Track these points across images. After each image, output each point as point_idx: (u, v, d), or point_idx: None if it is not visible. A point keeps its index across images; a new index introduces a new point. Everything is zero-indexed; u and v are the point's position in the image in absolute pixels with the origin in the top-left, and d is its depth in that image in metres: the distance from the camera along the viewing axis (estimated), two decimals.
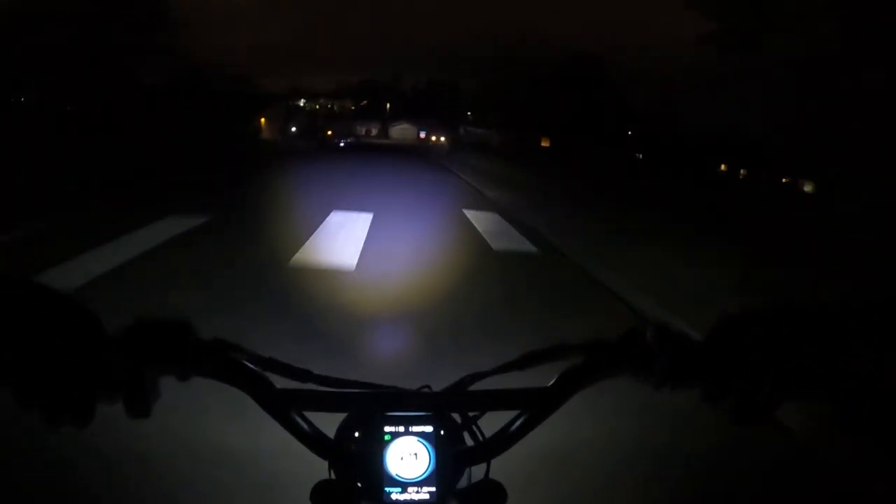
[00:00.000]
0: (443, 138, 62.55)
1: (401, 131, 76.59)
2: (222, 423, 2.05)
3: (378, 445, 0.51)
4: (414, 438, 0.51)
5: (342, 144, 41.10)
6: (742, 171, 25.59)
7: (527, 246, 6.26)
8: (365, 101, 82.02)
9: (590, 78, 37.86)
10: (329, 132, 57.39)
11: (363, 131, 78.19)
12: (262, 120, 46.37)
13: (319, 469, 0.54)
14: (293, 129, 50.48)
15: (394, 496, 0.50)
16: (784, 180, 21.86)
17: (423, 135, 74.48)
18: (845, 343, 0.42)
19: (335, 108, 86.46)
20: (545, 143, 44.12)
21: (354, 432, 0.54)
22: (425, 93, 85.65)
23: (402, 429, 0.51)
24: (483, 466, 0.53)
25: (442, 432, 0.52)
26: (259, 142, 35.09)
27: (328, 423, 0.55)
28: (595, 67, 38.62)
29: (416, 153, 34.89)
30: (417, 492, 0.50)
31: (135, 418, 0.45)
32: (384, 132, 77.97)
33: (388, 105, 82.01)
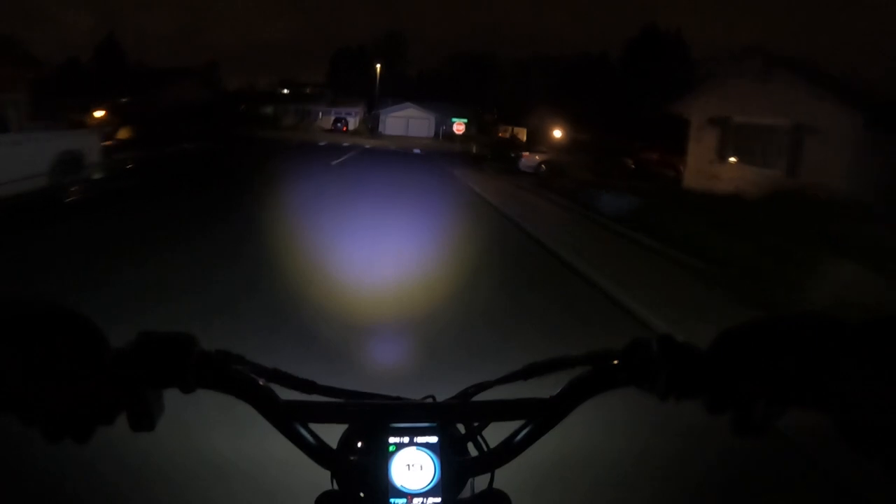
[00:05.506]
0: None
1: (403, 123, 42.23)
2: (224, 435, 2.06)
3: (382, 456, 0.51)
4: (419, 449, 0.51)
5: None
6: None
7: None
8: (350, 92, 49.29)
9: None
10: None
11: (329, 126, 44.21)
12: None
13: (323, 480, 0.54)
14: None
15: None
16: None
17: (461, 128, 38.99)
18: (846, 356, 0.42)
19: (308, 91, 57.74)
20: None
21: (357, 442, 0.55)
22: (440, 73, 54.88)
23: (406, 440, 0.51)
24: (487, 476, 0.54)
25: (446, 443, 0.52)
26: None
27: (331, 432, 0.54)
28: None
29: None
30: (423, 502, 0.50)
31: (139, 432, 0.45)
32: (371, 125, 42.84)
33: (378, 69, 43.39)
